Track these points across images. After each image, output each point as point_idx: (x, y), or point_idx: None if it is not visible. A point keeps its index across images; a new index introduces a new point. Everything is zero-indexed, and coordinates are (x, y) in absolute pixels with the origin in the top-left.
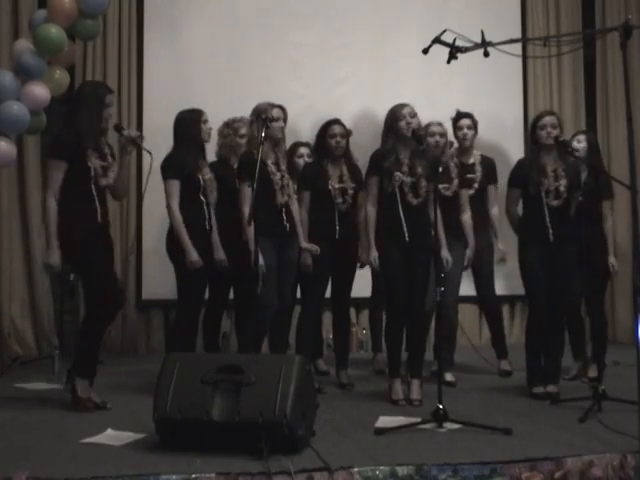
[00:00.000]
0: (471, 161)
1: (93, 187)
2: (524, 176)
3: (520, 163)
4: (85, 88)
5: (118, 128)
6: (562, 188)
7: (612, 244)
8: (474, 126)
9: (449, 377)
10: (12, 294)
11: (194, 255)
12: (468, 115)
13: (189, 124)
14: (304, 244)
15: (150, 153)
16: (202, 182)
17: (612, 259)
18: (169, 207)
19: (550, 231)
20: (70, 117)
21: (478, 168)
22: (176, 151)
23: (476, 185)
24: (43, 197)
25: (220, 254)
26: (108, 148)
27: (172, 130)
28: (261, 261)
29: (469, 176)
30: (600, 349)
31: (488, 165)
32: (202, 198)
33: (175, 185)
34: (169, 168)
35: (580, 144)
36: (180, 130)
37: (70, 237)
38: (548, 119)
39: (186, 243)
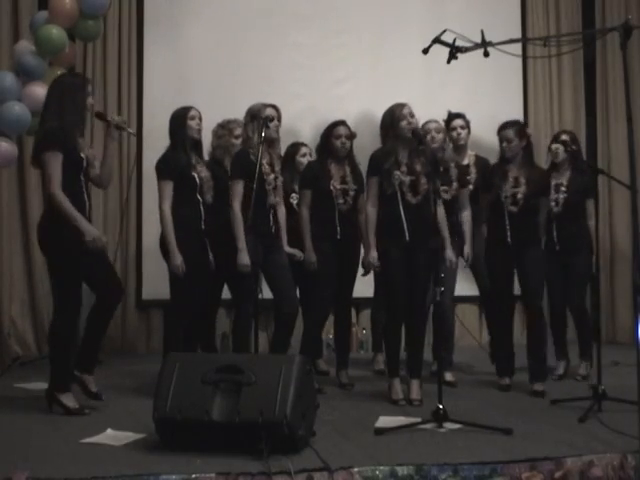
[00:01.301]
0: (466, 162)
1: (82, 179)
2: (490, 181)
3: (491, 169)
4: (64, 79)
5: (101, 115)
6: (519, 195)
7: (594, 243)
8: (467, 125)
9: (449, 377)
10: (12, 294)
11: (178, 259)
12: (460, 115)
13: (176, 122)
14: (288, 248)
15: (135, 135)
16: (198, 180)
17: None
18: (160, 209)
19: (508, 234)
20: (54, 110)
21: (473, 169)
22: (170, 151)
23: (471, 186)
24: (50, 192)
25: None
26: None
27: None
28: (245, 260)
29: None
30: (588, 346)
31: (483, 165)
32: (198, 197)
33: (168, 186)
34: (162, 168)
35: (559, 147)
36: (171, 129)
37: (57, 234)
38: (503, 134)
39: (172, 247)
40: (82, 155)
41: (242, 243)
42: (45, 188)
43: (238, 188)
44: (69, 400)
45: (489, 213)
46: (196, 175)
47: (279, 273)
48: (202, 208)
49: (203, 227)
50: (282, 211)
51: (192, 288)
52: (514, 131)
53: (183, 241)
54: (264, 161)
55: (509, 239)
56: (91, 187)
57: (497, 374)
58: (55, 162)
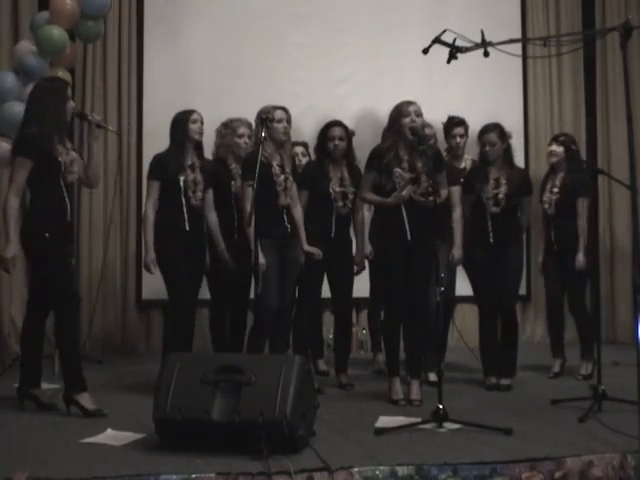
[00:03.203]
0: (462, 165)
1: (62, 183)
2: (472, 183)
3: (472, 171)
4: (43, 85)
5: (82, 115)
6: (501, 195)
7: (584, 241)
8: (466, 132)
9: (432, 377)
10: (12, 294)
11: (149, 257)
12: (461, 123)
13: (177, 125)
14: (307, 247)
15: (117, 133)
16: (182, 184)
17: (580, 256)
18: (145, 207)
19: (491, 235)
20: (34, 115)
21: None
22: (165, 152)
23: None
24: (6, 194)
25: (224, 254)
26: (69, 142)
27: None
28: (262, 260)
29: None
30: (590, 346)
31: None
32: (182, 199)
33: (154, 186)
34: (151, 169)
35: (559, 148)
36: (171, 131)
37: (39, 236)
38: (486, 137)
39: (147, 244)
40: (60, 160)
41: (255, 245)
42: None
43: (249, 191)
44: (86, 401)
45: (471, 215)
46: (182, 178)
47: (282, 271)
48: (185, 210)
49: (187, 229)
50: (298, 210)
51: (180, 288)
52: (496, 134)
53: (164, 242)
54: (274, 162)
55: (491, 240)
56: (74, 189)
57: (483, 374)
58: (20, 168)
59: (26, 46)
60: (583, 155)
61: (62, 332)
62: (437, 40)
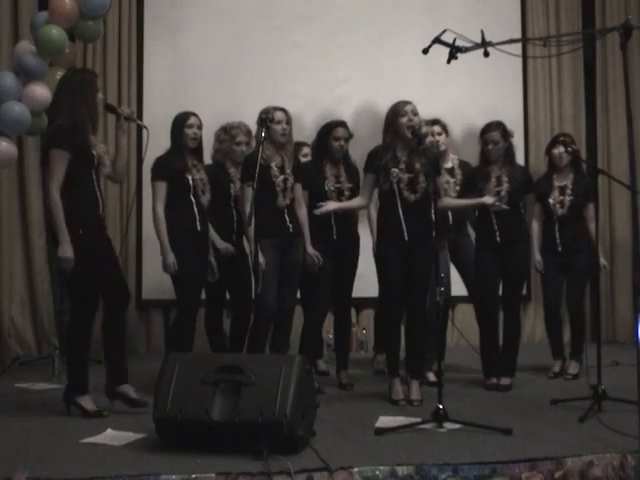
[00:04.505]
0: (449, 165)
1: (94, 177)
2: (474, 182)
3: (473, 171)
4: (74, 76)
5: (110, 107)
6: (503, 193)
7: (601, 246)
8: (444, 130)
9: (431, 377)
10: (12, 294)
11: (170, 258)
12: (435, 122)
13: (175, 126)
14: (310, 249)
15: (146, 127)
16: (191, 182)
17: (602, 260)
18: (153, 209)
19: (497, 233)
20: (65, 107)
21: (458, 172)
22: (167, 152)
23: (458, 188)
24: (47, 191)
25: (221, 244)
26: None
27: None
28: (261, 259)
29: (450, 180)
30: (580, 346)
31: (467, 168)
32: (192, 199)
33: (161, 187)
34: (156, 170)
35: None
36: (171, 132)
37: (72, 232)
38: (489, 136)
39: (164, 246)
40: (93, 153)
41: (255, 246)
42: (44, 185)
43: (248, 191)
44: (87, 403)
45: (476, 215)
46: (190, 177)
47: (282, 270)
48: (196, 209)
49: (199, 229)
50: (302, 211)
51: (190, 288)
52: (499, 132)
53: (177, 242)
54: (273, 164)
55: (498, 238)
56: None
57: (483, 374)
58: (60, 161)
59: (26, 46)
60: (583, 155)
61: (76, 334)
62: (437, 40)
